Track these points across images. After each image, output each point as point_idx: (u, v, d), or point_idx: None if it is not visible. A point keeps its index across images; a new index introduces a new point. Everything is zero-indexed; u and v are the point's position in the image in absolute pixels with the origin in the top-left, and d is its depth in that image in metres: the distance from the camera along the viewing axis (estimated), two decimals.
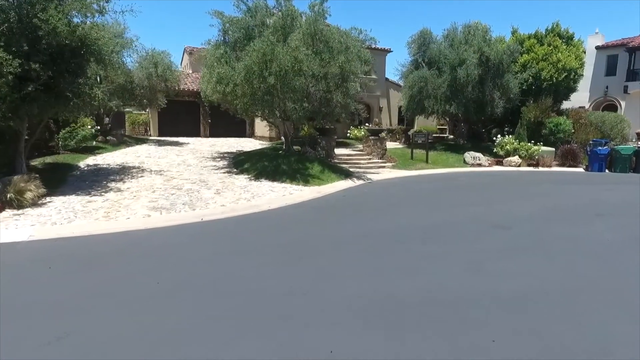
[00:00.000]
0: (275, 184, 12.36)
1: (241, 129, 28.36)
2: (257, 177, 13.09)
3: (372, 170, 16.61)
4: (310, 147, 17.54)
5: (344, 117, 15.89)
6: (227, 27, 13.87)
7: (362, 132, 19.45)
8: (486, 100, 20.55)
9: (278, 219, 8.59)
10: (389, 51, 29.61)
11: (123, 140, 19.35)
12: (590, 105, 27.89)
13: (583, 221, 8.49)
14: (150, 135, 26.06)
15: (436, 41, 22.37)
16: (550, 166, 18.83)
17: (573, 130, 20.57)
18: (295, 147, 16.80)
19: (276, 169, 13.61)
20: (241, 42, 13.33)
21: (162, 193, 10.32)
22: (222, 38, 13.88)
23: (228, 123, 26.10)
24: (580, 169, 18.59)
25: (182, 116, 26.96)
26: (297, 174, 13.26)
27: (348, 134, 21.51)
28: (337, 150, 19.18)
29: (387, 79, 30.03)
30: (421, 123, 30.54)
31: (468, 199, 10.63)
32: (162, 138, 24.71)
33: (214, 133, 27.62)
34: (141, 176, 12.27)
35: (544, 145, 19.56)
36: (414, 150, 19.93)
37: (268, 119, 14.49)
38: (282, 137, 16.62)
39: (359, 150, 19.69)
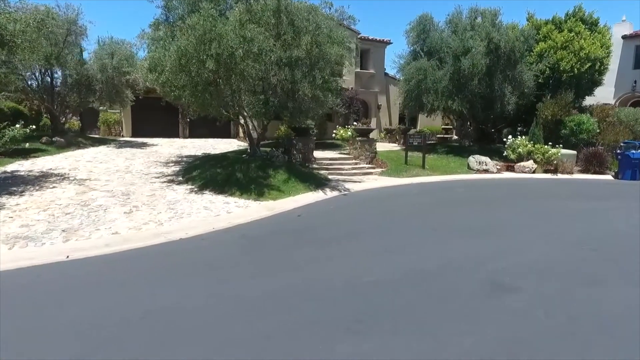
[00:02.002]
0: (219, 197, 9.74)
1: (227, 130, 25.87)
2: (201, 188, 10.49)
3: (355, 178, 13.88)
4: (285, 150, 14.92)
5: (320, 114, 13.16)
6: (172, 3, 11.31)
7: (349, 133, 16.78)
8: (495, 96, 17.64)
9: (173, 259, 5.90)
10: (388, 43, 26.80)
11: (75, 142, 16.97)
12: (616, 101, 24.63)
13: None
14: (122, 136, 23.77)
15: (438, 28, 19.54)
16: (571, 172, 15.83)
17: (598, 130, 17.52)
18: (265, 150, 14.19)
19: (228, 178, 10.99)
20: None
21: (54, 212, 7.79)
22: (164, 16, 11.31)
23: (212, 123, 23.76)
24: (608, 176, 15.55)
25: (159, 115, 24.46)
26: (253, 185, 10.62)
27: (334, 135, 18.80)
28: (320, 154, 16.50)
29: (386, 74, 27.19)
30: (425, 122, 27.64)
31: (458, 226, 7.78)
32: (133, 139, 22.35)
33: (196, 133, 25.16)
34: (53, 187, 9.76)
35: (563, 147, 16.58)
36: (411, 154, 17.09)
37: (219, 116, 11.82)
38: (247, 138, 13.98)
39: (345, 154, 16.96)
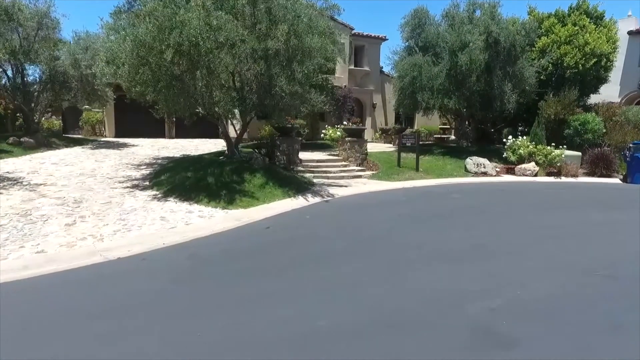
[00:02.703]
0: (182, 205, 8.70)
1: (215, 130, 24.79)
2: (166, 194, 9.45)
3: (342, 182, 12.82)
4: (267, 151, 13.88)
5: (304, 112, 12.06)
6: None
7: (338, 133, 15.73)
8: (494, 93, 16.57)
9: (83, 291, 4.79)
10: (384, 39, 25.73)
11: (47, 142, 15.92)
12: (621, 100, 23.50)
13: None
14: (105, 136, 22.75)
15: (434, 22, 18.46)
16: (576, 175, 14.75)
17: (604, 130, 16.43)
18: (248, 152, 13.16)
19: (197, 183, 9.95)
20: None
21: None
22: (129, 4, 10.25)
23: (199, 122, 22.73)
24: (616, 180, 14.47)
25: (143, 115, 23.39)
26: (224, 190, 9.57)
27: (322, 135, 17.74)
28: (308, 155, 15.48)
29: (382, 72, 26.11)
30: (423, 122, 26.55)
31: (447, 245, 6.70)
32: (115, 139, 21.35)
33: (183, 134, 24.06)
34: None
35: (567, 148, 15.51)
36: (405, 155, 16.02)
37: (189, 115, 10.72)
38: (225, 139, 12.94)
39: (335, 155, 15.92)
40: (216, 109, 9.82)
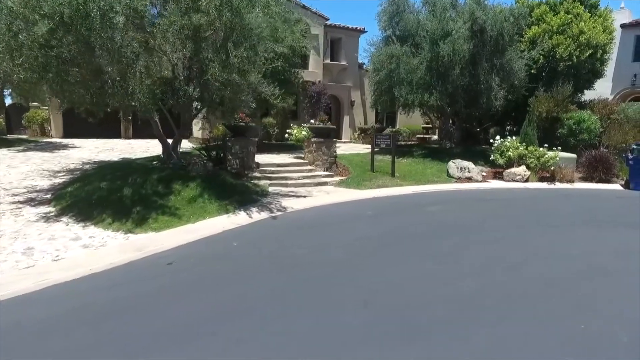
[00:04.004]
0: (74, 228, 6.62)
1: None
2: (62, 212, 7.36)
3: (302, 190, 10.85)
4: (217, 155, 11.85)
5: (250, 106, 10.00)
6: None
7: (304, 133, 13.77)
8: (480, 88, 14.77)
9: None
10: (362, 31, 23.82)
11: None
12: (614, 97, 21.97)
13: None
14: (51, 136, 20.40)
15: (413, 9, 16.59)
16: (571, 181, 13.00)
17: (602, 130, 14.75)
18: (195, 155, 11.11)
19: (108, 196, 7.86)
20: None
21: None
22: None
23: (164, 122, 20.53)
24: (617, 186, 12.75)
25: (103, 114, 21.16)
26: (139, 206, 7.50)
27: (286, 136, 15.72)
28: (269, 158, 13.50)
29: (361, 67, 24.17)
30: (405, 121, 24.66)
31: (409, 292, 4.77)
32: (62, 140, 19.08)
33: (142, 134, 21.71)
34: None
35: (561, 150, 13.77)
36: (381, 158, 14.17)
37: (96, 110, 8.59)
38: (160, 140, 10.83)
39: (300, 159, 13.93)
40: (133, 103, 7.71)
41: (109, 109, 8.25)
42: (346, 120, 24.06)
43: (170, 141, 10.70)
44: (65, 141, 18.59)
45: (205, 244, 6.38)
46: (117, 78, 7.41)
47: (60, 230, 6.48)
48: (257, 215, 8.18)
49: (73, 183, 8.99)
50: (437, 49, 14.19)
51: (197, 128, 20.21)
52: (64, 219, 7.03)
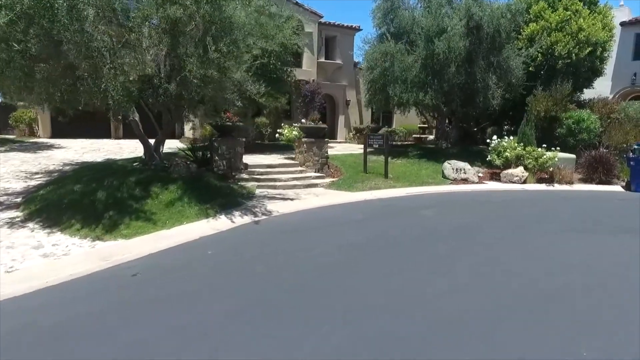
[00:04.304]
0: (38, 235, 6.18)
1: (173, 129, 22.15)
2: (29, 217, 6.93)
3: (290, 193, 10.42)
4: (204, 156, 11.44)
5: (235, 105, 9.55)
6: None
7: (294, 133, 13.32)
8: (477, 87, 14.36)
9: None
10: (357, 29, 23.41)
11: None
12: (613, 96, 21.55)
13: None
14: (39, 137, 19.94)
15: (408, 6, 16.17)
16: (571, 182, 12.58)
17: (602, 129, 14.34)
18: (182, 156, 10.68)
19: (80, 200, 7.42)
20: None
21: None
22: None
23: (147, 121, 20.02)
24: (618, 187, 12.33)
25: (87, 113, 20.69)
26: (112, 210, 7.06)
27: (277, 136, 15.28)
28: (259, 159, 13.09)
29: (356, 65, 23.73)
30: (402, 121, 24.22)
31: (394, 313, 4.37)
32: (49, 140, 18.64)
33: (133, 134, 21.21)
34: None
35: (560, 150, 13.35)
36: (375, 158, 13.78)
37: (61, 108, 8.18)
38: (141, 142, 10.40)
39: (291, 159, 13.50)
40: (109, 102, 7.27)
41: (80, 107, 7.77)
42: (341, 119, 23.65)
43: (152, 141, 10.27)
44: (52, 141, 18.14)
45: (178, 252, 5.94)
46: (88, 75, 6.98)
47: (22, 237, 6.04)
48: (239, 219, 7.75)
49: (47, 186, 8.54)
50: (433, 47, 13.77)
51: (188, 127, 19.81)
52: (30, 224, 6.59)
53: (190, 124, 17.14)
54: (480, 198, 10.57)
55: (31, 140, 18.18)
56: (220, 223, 7.46)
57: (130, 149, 16.08)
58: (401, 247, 6.29)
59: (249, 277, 5.03)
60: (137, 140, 19.29)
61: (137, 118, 9.75)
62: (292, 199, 9.71)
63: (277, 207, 8.77)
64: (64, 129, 20.44)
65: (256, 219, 7.90)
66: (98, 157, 13.21)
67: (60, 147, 15.93)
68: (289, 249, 6.17)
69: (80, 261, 5.35)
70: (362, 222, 7.87)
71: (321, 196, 10.25)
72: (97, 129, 20.75)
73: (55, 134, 20.13)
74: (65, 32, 6.10)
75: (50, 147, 16.02)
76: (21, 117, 20.25)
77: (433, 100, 14.33)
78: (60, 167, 11.05)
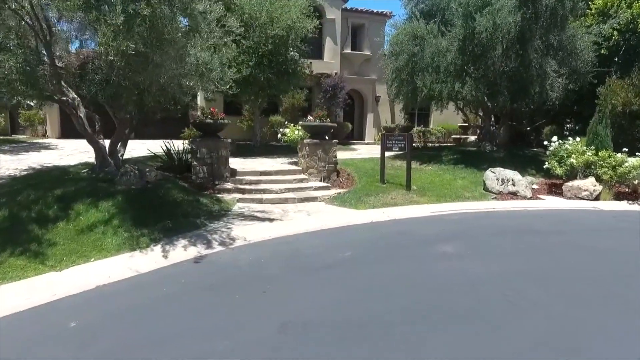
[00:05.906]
0: None
1: (177, 128, 20.55)
2: None
3: (278, 209, 8.10)
4: (179, 161, 9.48)
5: (180, 95, 7.33)
6: None
7: (297, 132, 11.01)
8: (531, 75, 11.30)
9: None
10: (389, 16, 20.59)
11: None
12: None
13: None
14: (47, 137, 19.08)
15: None
16: None
17: None
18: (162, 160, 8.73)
19: None
20: None
21: None
22: None
23: (166, 121, 18.50)
24: None
25: (98, 112, 19.57)
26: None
27: (279, 136, 12.99)
28: (256, 163, 11.04)
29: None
30: (440, 119, 20.99)
31: None
32: (56, 141, 17.57)
33: (144, 134, 19.90)
34: None
35: None
36: (398, 165, 11.23)
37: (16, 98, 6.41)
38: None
39: (295, 164, 11.20)
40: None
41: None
42: (370, 118, 20.96)
43: (107, 143, 8.37)
44: (55, 142, 17.02)
45: (40, 317, 3.79)
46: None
47: None
48: (179, 253, 5.53)
49: None
50: (473, 24, 10.95)
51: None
52: None
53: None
54: (537, 224, 7.63)
55: (33, 141, 17.19)
56: (146, 259, 5.27)
57: (131, 151, 14.47)
58: (390, 340, 3.72)
59: None
60: (143, 141, 17.83)
61: (81, 113, 7.83)
62: (274, 220, 7.37)
63: (247, 233, 6.47)
64: (74, 129, 19.50)
65: (205, 252, 5.64)
66: (75, 160, 11.59)
67: (52, 149, 14.62)
68: (187, 329, 3.81)
69: None
70: (345, 267, 5.30)
71: (314, 215, 7.82)
72: (111, 128, 19.58)
73: (64, 135, 19.14)
74: None
75: (40, 148, 14.77)
76: (30, 117, 19.53)
77: (473, 92, 11.44)
78: (16, 174, 9.42)
